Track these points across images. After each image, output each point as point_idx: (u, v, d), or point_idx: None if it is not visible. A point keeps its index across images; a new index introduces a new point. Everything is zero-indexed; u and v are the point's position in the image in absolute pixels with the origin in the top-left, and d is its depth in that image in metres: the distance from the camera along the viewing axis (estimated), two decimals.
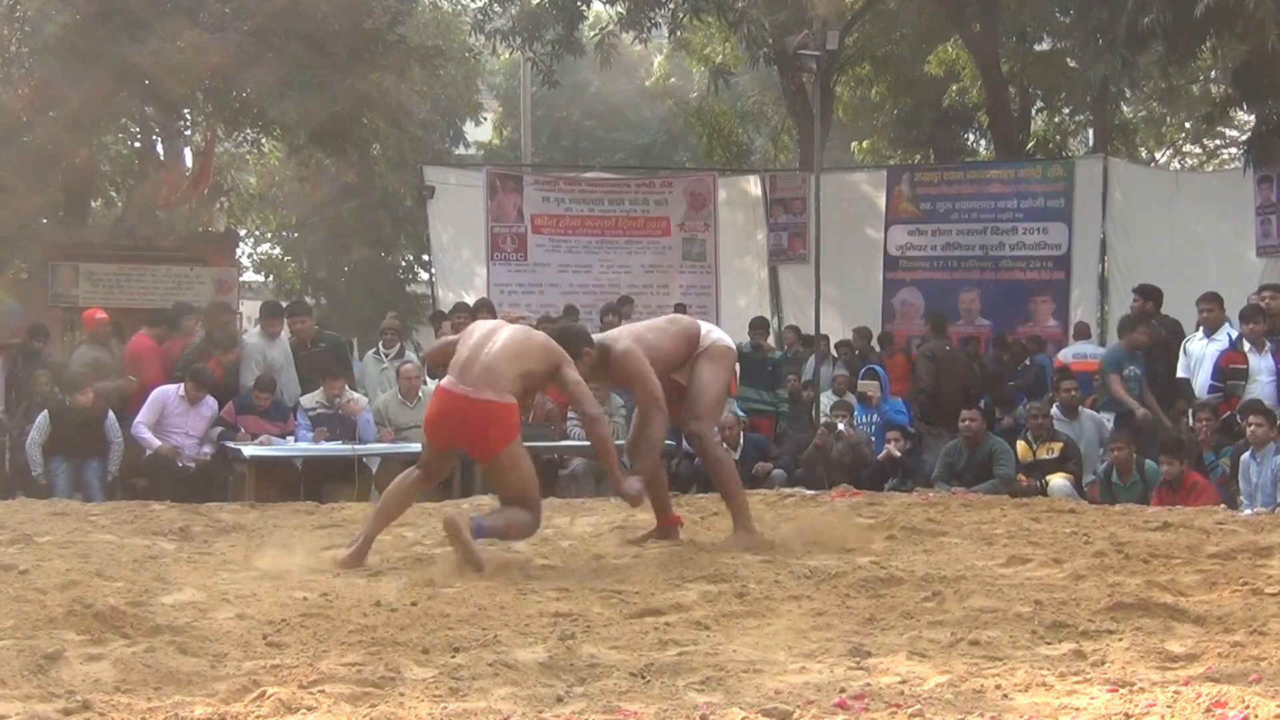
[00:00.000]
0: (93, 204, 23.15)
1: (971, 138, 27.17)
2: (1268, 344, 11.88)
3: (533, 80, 24.34)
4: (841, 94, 24.09)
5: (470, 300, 16.17)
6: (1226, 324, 12.51)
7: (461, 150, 29.96)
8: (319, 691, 4.22)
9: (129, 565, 6.79)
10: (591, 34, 21.27)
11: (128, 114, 20.62)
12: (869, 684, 4.39)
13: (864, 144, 27.38)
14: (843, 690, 4.30)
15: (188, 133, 22.55)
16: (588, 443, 13.29)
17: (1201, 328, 12.54)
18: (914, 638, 5.14)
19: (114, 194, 24.61)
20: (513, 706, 4.12)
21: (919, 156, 25.88)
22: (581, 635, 5.19)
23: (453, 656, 4.82)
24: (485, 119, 32.83)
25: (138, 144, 22.57)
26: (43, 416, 12.47)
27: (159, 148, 22.67)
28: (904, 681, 4.43)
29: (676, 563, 6.96)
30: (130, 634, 5.06)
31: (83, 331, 18.99)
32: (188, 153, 23.75)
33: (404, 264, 32.46)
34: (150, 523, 8.54)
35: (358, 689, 4.30)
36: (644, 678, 4.53)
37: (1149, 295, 14.21)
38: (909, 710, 4.01)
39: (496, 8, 20.17)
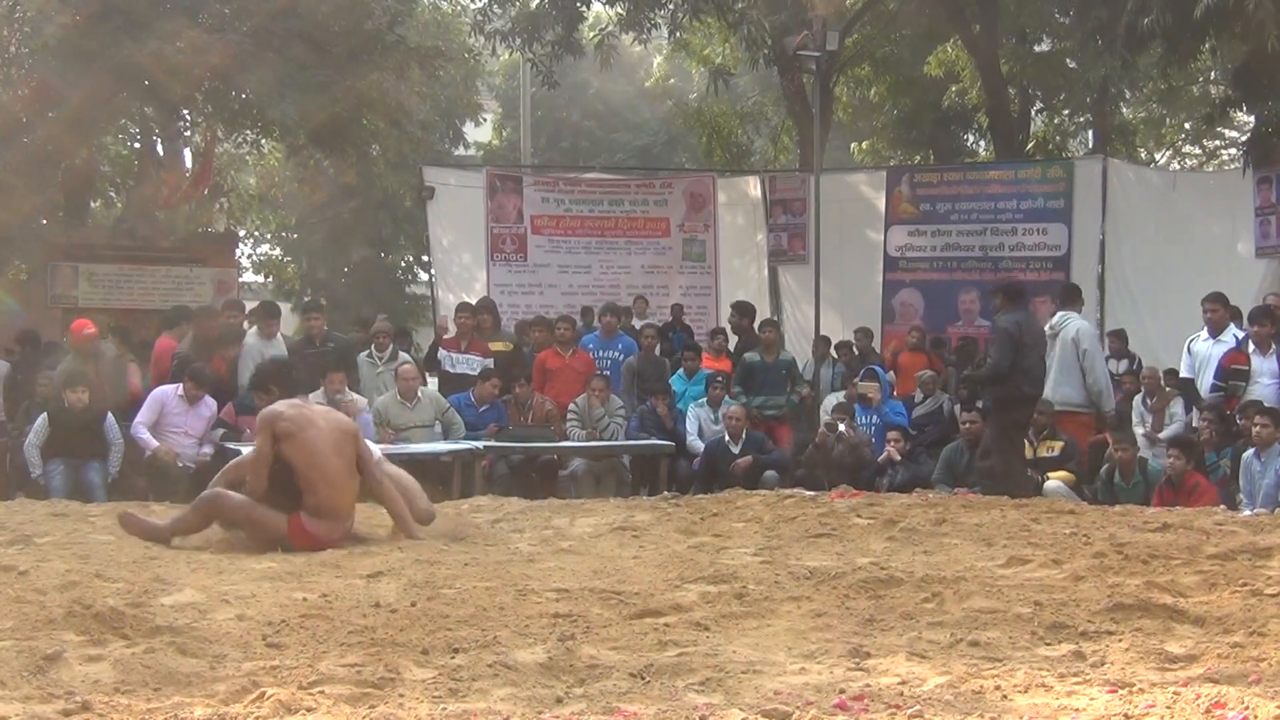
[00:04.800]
0: (92, 204, 23.16)
1: (971, 138, 27.20)
2: (1273, 346, 11.86)
3: (532, 81, 24.36)
4: (841, 95, 24.13)
5: (471, 300, 16.18)
6: (1232, 325, 12.51)
7: (461, 151, 29.99)
8: (319, 692, 4.22)
9: (128, 566, 6.79)
10: (591, 35, 21.29)
11: (127, 114, 20.64)
12: (869, 685, 4.39)
13: (864, 145, 27.43)
14: (842, 691, 4.30)
15: (187, 133, 22.56)
16: (587, 443, 13.40)
17: (1206, 328, 12.52)
18: (914, 639, 5.14)
19: (114, 194, 24.63)
20: (512, 707, 4.12)
21: (919, 157, 25.92)
22: (581, 636, 5.19)
23: (452, 657, 4.82)
24: (485, 120, 32.85)
25: (138, 144, 22.61)
26: (42, 419, 12.47)
27: (159, 148, 22.66)
28: (904, 682, 4.43)
29: (676, 563, 6.96)
30: (130, 635, 5.06)
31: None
32: (187, 153, 23.77)
33: (404, 265, 32.49)
34: None
35: (357, 690, 4.30)
36: (643, 678, 4.53)
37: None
38: (909, 711, 4.01)
39: (496, 8, 20.21)
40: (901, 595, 5.98)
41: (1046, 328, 12.84)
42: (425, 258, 23.90)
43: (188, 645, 4.92)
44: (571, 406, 13.76)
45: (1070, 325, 12.60)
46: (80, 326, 13.67)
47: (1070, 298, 13.13)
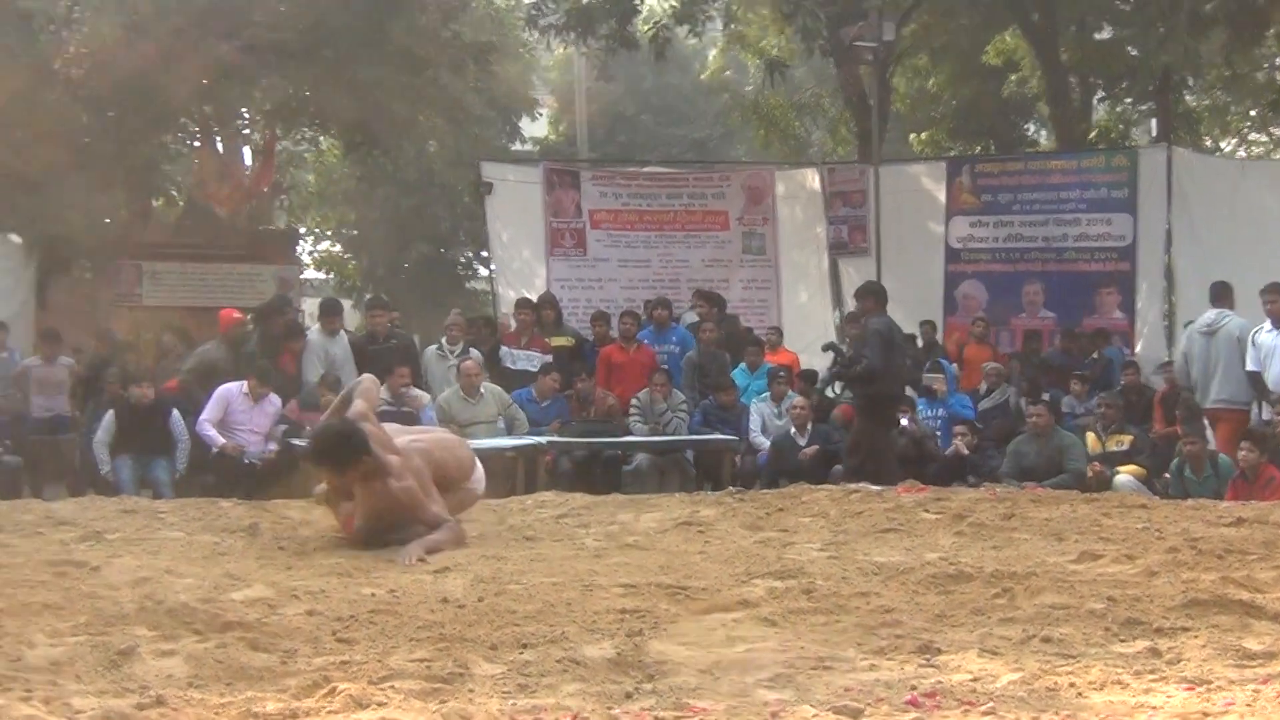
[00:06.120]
0: (154, 204, 23.36)
1: (1032, 128, 26.99)
2: None
3: (587, 75, 24.36)
4: (899, 85, 24.00)
5: (532, 295, 16.21)
6: None
7: (518, 146, 30.03)
8: (389, 687, 4.22)
9: (198, 562, 6.84)
10: (646, 28, 21.26)
11: (187, 113, 20.81)
12: (940, 681, 4.33)
13: (923, 135, 27.25)
14: (914, 688, 4.25)
15: (247, 132, 22.72)
16: (651, 438, 13.38)
17: (1269, 319, 12.34)
18: (985, 635, 5.08)
19: (175, 193, 24.84)
20: (581, 703, 4.10)
21: (979, 148, 25.73)
22: (649, 632, 5.17)
23: (521, 653, 4.80)
24: (541, 114, 32.88)
25: (198, 143, 22.79)
26: (109, 416, 12.62)
27: (219, 146, 22.84)
28: (975, 679, 4.37)
29: (742, 559, 6.92)
30: (201, 630, 5.08)
31: (148, 330, 19.23)
32: (247, 151, 23.95)
33: (463, 260, 32.58)
34: (218, 520, 8.58)
35: (427, 685, 4.30)
36: (713, 674, 4.50)
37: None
38: (981, 708, 3.96)
39: (550, 3, 20.20)
40: (971, 591, 5.91)
41: (1202, 325, 12.60)
42: (485, 253, 23.92)
43: (259, 640, 4.93)
44: (634, 401, 13.75)
45: (1233, 323, 12.39)
46: (228, 313, 13.84)
47: (1223, 295, 12.90)
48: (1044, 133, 26.32)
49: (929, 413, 14.03)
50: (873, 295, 12.83)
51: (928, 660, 4.69)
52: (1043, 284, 17.60)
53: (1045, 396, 13.47)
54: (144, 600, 5.42)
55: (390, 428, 8.44)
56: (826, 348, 14.23)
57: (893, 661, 4.70)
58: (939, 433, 13.70)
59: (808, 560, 6.86)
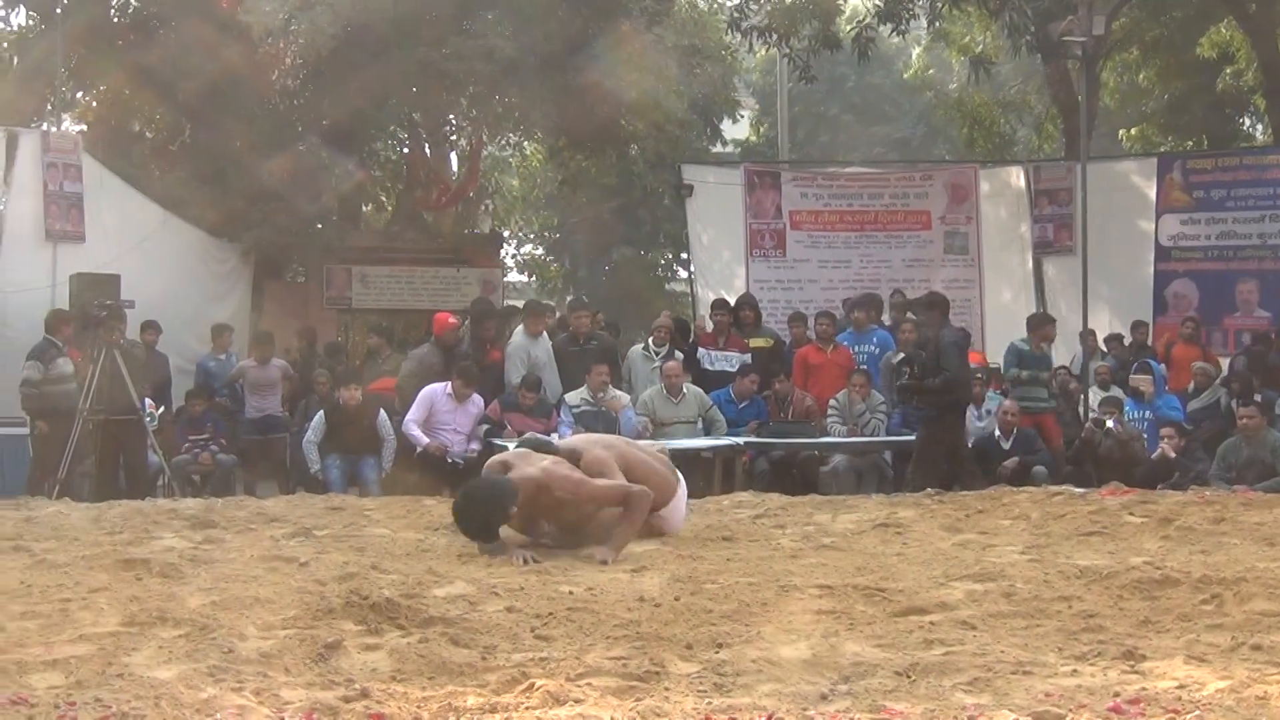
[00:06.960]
0: (364, 208, 23.96)
1: (1248, 122, 26.13)
2: None
3: (789, 76, 24.27)
4: (1108, 80, 23.48)
5: (731, 297, 16.22)
6: None
7: (719, 148, 30.08)
8: (586, 684, 4.29)
9: (402, 558, 7.01)
10: (848, 28, 21.13)
11: (396, 120, 21.30)
12: (1144, 689, 4.25)
13: (1132, 131, 26.60)
14: (1117, 694, 4.17)
15: (454, 138, 23.16)
16: (849, 439, 13.30)
17: None
18: (1191, 641, 4.96)
19: (384, 199, 25.46)
20: (777, 703, 4.11)
21: (1191, 143, 25.03)
22: (845, 633, 5.15)
23: (716, 652, 4.83)
24: (742, 116, 32.86)
25: (406, 149, 23.36)
26: (319, 417, 13.01)
27: (427, 152, 23.34)
28: (1181, 686, 4.27)
29: (941, 561, 6.86)
30: (405, 625, 5.22)
31: (356, 333, 19.73)
32: (453, 157, 24.40)
33: (663, 262, 32.74)
34: (421, 518, 8.78)
35: (623, 682, 4.35)
36: (909, 677, 4.47)
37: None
38: (1188, 716, 3.87)
39: (753, 5, 20.19)
40: (1178, 596, 5.77)
41: None
42: (685, 255, 24.01)
43: (459, 636, 5.04)
44: (832, 402, 13.69)
45: None
46: (443, 317, 14.17)
47: None
48: (1260, 127, 25.46)
49: (1135, 414, 13.68)
50: (938, 307, 12.67)
51: (1132, 666, 4.60)
52: (1258, 282, 17.06)
53: (1257, 397, 13.02)
54: (350, 595, 5.57)
55: (608, 438, 8.50)
56: (900, 361, 13.93)
57: (1095, 667, 4.62)
58: (1146, 435, 13.35)
59: (1008, 563, 6.77)
